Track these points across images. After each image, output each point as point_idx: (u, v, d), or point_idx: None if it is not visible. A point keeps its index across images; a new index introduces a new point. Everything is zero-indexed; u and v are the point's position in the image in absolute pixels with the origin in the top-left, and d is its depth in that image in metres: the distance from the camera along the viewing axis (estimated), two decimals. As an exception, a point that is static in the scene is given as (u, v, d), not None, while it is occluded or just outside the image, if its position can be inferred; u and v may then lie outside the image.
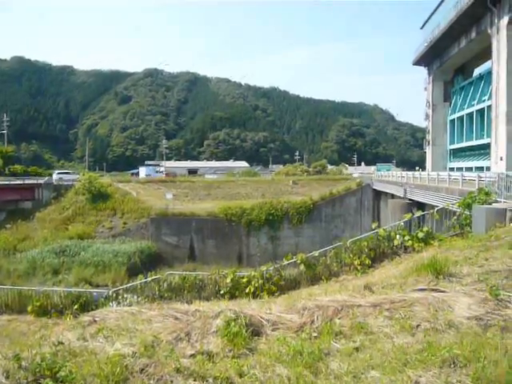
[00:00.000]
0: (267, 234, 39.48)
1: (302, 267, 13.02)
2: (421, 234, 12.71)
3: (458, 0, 36.68)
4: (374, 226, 14.14)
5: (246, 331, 4.58)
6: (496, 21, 30.29)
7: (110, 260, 32.02)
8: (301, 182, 55.48)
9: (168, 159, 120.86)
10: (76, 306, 14.35)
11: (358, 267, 12.47)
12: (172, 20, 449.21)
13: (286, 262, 13.70)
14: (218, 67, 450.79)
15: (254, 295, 12.17)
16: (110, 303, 14.31)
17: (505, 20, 29.07)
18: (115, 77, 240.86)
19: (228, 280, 13.15)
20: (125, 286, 16.00)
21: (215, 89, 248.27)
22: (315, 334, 4.52)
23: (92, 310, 11.31)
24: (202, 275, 14.54)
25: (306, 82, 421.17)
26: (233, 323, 4.69)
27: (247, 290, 12.59)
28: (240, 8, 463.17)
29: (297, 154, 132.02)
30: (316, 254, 13.67)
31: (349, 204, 43.03)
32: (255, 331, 4.74)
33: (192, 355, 4.30)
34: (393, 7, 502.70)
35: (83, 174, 52.19)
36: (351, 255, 13.01)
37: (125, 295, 14.80)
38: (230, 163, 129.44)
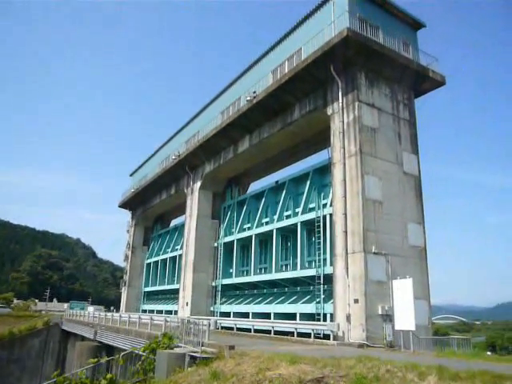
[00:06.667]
0: None
1: None
2: (104, 382, 12.28)
3: (164, 159, 42.41)
4: (53, 375, 12.91)
5: None
6: (191, 183, 35.86)
7: None
8: (-26, 319, 47.43)
9: None
10: None
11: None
12: None
13: None
14: None
15: None
16: None
17: (197, 184, 34.76)
18: None
19: None
20: None
21: None
22: None
23: None
24: None
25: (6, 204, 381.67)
26: None
27: None
28: None
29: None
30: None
31: (31, 346, 38.20)
32: None
33: None
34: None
35: None
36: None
37: None
38: None
